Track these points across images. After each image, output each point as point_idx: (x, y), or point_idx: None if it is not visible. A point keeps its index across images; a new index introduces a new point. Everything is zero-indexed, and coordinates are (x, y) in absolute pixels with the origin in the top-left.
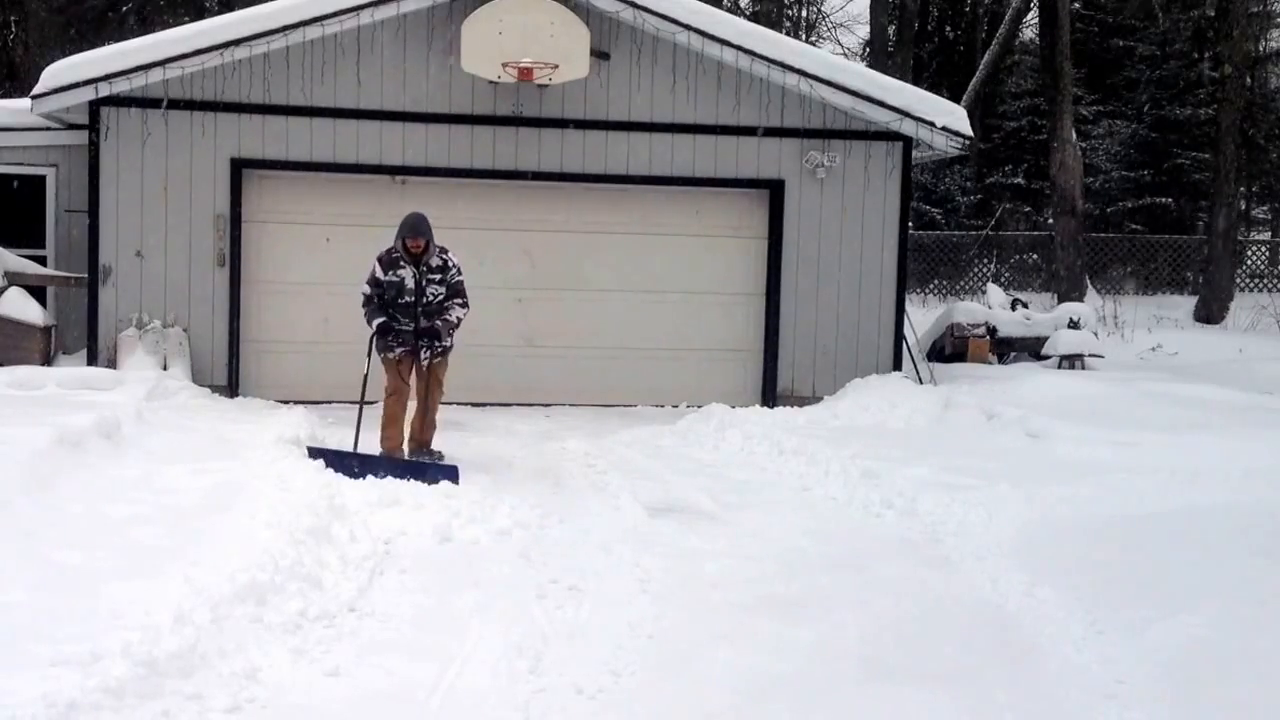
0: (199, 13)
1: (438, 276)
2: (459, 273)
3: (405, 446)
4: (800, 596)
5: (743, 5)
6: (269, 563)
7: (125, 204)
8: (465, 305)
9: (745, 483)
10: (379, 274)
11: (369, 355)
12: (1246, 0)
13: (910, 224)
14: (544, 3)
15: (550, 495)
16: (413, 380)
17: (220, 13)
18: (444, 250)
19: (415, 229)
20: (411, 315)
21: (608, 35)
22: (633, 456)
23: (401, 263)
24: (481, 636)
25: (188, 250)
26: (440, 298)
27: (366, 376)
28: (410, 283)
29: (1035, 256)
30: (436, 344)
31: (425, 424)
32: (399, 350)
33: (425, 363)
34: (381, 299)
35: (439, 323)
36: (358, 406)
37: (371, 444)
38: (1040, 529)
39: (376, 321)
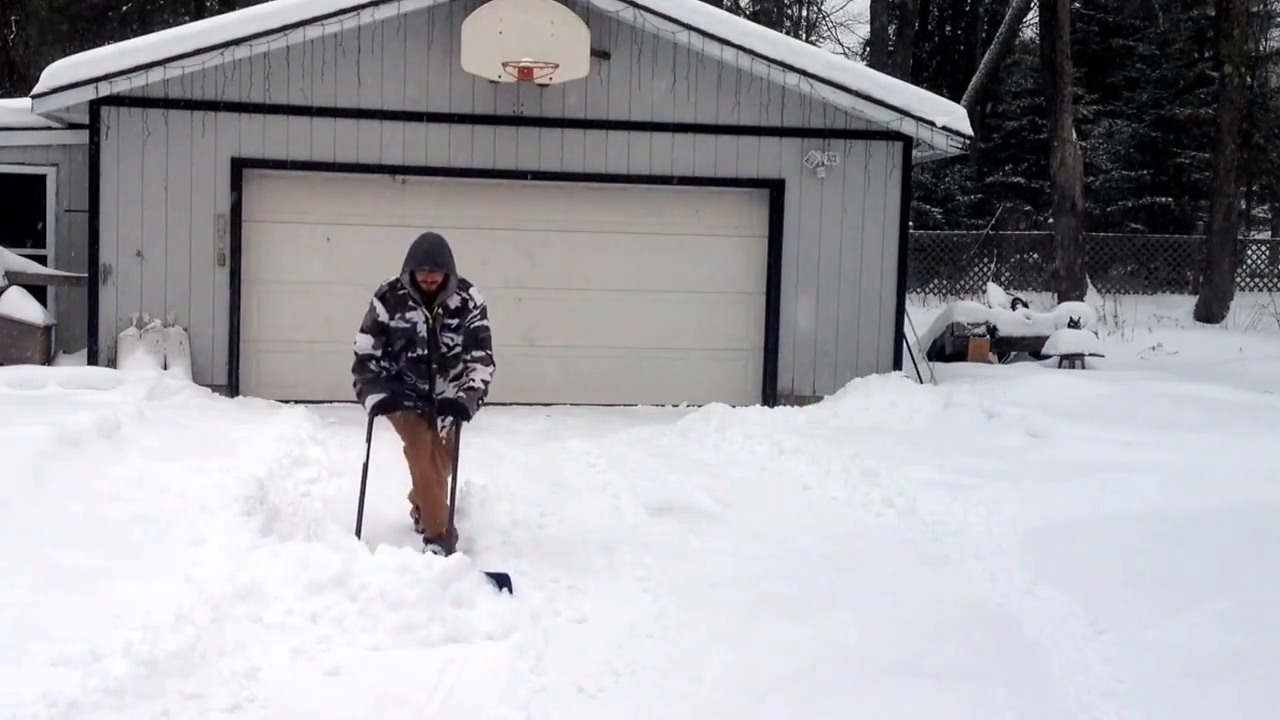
0: (199, 12)
1: (454, 321)
2: (482, 315)
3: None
4: (801, 596)
5: (743, 5)
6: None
7: (125, 203)
8: (490, 361)
9: (746, 482)
10: (382, 316)
11: (368, 439)
12: (1246, 0)
13: (910, 223)
14: (544, 2)
15: (550, 495)
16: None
17: (220, 12)
18: (465, 285)
19: (432, 258)
20: (423, 374)
21: (608, 35)
22: (633, 456)
23: (410, 302)
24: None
25: (188, 250)
26: (456, 349)
27: (366, 466)
28: (422, 330)
29: (1035, 256)
30: (461, 420)
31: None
32: (412, 412)
33: (442, 431)
34: (388, 352)
35: (462, 394)
36: (359, 489)
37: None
38: (1041, 528)
39: (372, 400)
